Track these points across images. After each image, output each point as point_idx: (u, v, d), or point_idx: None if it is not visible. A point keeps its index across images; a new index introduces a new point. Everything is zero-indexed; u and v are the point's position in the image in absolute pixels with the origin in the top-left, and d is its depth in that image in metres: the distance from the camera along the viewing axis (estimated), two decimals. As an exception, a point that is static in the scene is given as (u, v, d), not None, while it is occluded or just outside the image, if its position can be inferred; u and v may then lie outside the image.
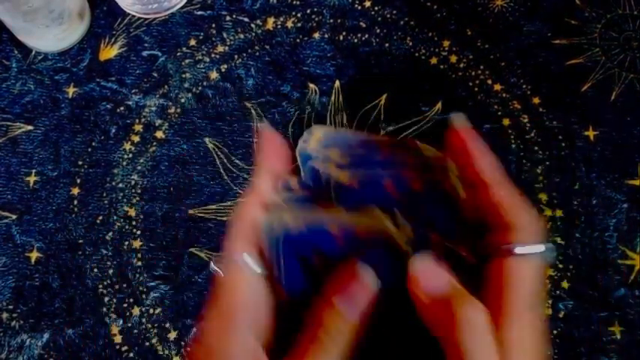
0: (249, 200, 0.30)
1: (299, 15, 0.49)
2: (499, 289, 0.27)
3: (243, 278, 0.29)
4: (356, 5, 0.49)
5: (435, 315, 0.27)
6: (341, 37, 0.48)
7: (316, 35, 0.48)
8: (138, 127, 0.46)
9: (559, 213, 0.42)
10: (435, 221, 0.29)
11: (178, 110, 0.46)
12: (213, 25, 0.49)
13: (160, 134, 0.46)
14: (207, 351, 0.28)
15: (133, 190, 0.45)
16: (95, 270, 0.43)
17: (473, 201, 0.30)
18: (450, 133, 0.31)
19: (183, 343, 0.41)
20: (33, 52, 0.49)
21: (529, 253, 0.27)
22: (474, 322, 0.26)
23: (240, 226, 0.29)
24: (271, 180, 0.31)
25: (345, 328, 0.28)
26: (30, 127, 0.47)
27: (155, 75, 0.48)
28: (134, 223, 0.44)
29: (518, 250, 0.27)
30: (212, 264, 0.31)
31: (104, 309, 0.42)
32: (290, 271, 0.29)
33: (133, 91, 0.47)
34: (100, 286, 0.43)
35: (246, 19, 0.49)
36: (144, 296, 0.42)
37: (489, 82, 0.46)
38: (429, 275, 0.28)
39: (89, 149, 0.46)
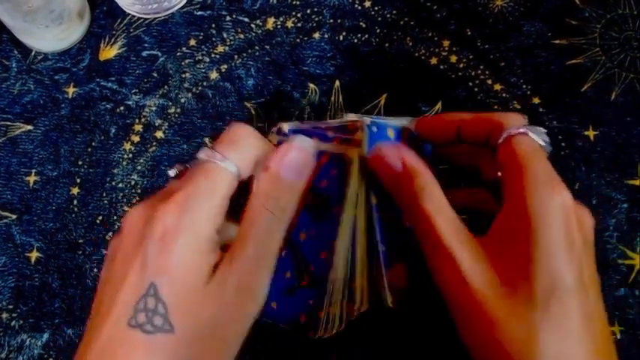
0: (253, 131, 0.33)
1: (299, 15, 0.49)
2: (517, 162, 0.29)
3: (223, 176, 0.30)
4: (356, 5, 0.49)
5: (397, 190, 0.31)
6: (341, 37, 0.48)
7: (316, 35, 0.48)
8: (138, 127, 0.46)
9: (559, 213, 0.42)
10: None
11: (178, 110, 0.46)
12: (213, 25, 0.49)
13: (159, 134, 0.46)
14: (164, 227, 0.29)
15: (133, 190, 0.45)
16: (95, 270, 0.43)
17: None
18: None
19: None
20: (33, 52, 0.49)
21: (521, 131, 0.30)
22: (428, 189, 0.30)
23: (241, 136, 0.32)
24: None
25: (283, 188, 0.31)
26: (30, 127, 0.47)
27: (155, 75, 0.48)
28: (134, 223, 0.44)
29: (514, 131, 0.30)
30: (170, 170, 0.33)
31: (104, 309, 0.42)
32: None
33: (133, 91, 0.47)
34: (100, 286, 0.43)
35: (246, 19, 0.49)
36: (144, 296, 0.42)
37: (489, 82, 0.46)
38: (387, 152, 0.31)
39: (89, 149, 0.46)
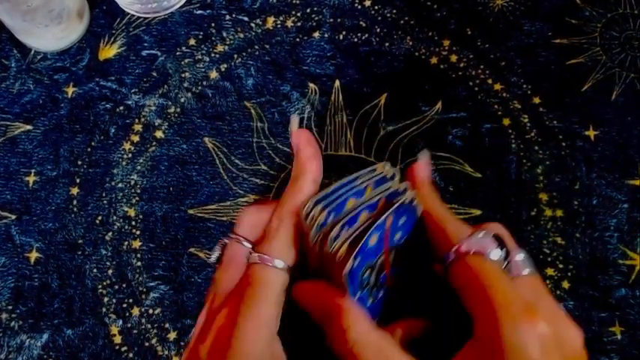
0: (291, 205, 0.32)
1: (299, 14, 0.48)
2: (480, 292, 0.28)
3: (275, 276, 0.31)
4: (356, 5, 0.48)
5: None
6: (341, 37, 0.47)
7: (316, 35, 0.48)
8: (137, 127, 0.46)
9: (559, 213, 0.42)
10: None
11: (178, 110, 0.46)
12: (213, 25, 0.49)
13: (159, 134, 0.46)
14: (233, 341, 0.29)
15: (133, 190, 0.45)
16: (95, 270, 0.43)
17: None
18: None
19: (182, 343, 0.41)
20: (32, 52, 0.49)
21: (472, 248, 0.29)
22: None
23: (278, 229, 0.32)
24: (312, 182, 0.33)
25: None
26: (29, 127, 0.47)
27: (155, 74, 0.47)
28: (133, 223, 0.44)
29: (464, 248, 0.29)
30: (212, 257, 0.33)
31: (104, 309, 0.42)
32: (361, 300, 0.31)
33: (133, 90, 0.47)
34: (100, 286, 0.43)
35: (245, 19, 0.49)
36: (143, 296, 0.42)
37: (489, 81, 0.46)
38: None
39: (88, 149, 0.46)
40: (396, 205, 0.30)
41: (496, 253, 0.29)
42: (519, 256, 0.31)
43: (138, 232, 0.44)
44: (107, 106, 0.47)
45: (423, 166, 0.36)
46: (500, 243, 0.30)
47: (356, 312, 0.29)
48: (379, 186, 0.32)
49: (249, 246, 0.33)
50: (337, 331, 0.29)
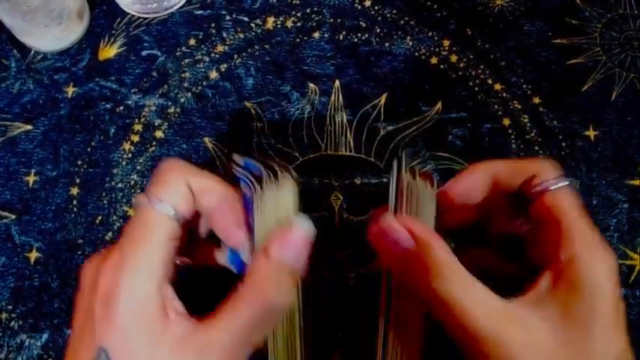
0: (185, 164, 0.31)
1: (299, 14, 0.48)
2: (563, 221, 0.28)
3: (159, 221, 0.29)
4: (356, 5, 0.48)
5: (408, 272, 0.28)
6: (341, 37, 0.48)
7: (316, 35, 0.48)
8: (137, 127, 0.46)
9: (559, 213, 0.42)
10: None
11: (178, 110, 0.46)
12: (213, 25, 0.49)
13: (159, 134, 0.46)
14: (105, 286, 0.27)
15: (133, 190, 0.45)
16: (94, 270, 0.43)
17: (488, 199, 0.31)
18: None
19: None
20: (32, 52, 0.49)
21: (561, 185, 0.29)
22: (447, 267, 0.26)
23: (172, 174, 0.30)
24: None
25: (280, 272, 0.29)
26: (29, 127, 0.47)
27: (155, 74, 0.47)
28: (134, 223, 0.44)
29: (550, 184, 0.29)
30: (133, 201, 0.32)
31: (104, 309, 0.42)
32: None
33: (133, 90, 0.47)
34: (100, 286, 0.42)
35: (245, 19, 0.49)
36: (143, 296, 0.42)
37: (489, 81, 0.46)
38: (394, 229, 0.28)
39: (88, 149, 0.46)
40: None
41: (572, 185, 0.29)
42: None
43: (138, 232, 0.43)
44: (107, 106, 0.47)
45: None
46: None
47: (443, 247, 0.27)
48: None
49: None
50: (422, 270, 0.27)
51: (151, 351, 0.27)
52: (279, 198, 0.31)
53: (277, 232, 0.30)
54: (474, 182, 0.31)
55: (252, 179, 0.30)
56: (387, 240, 0.28)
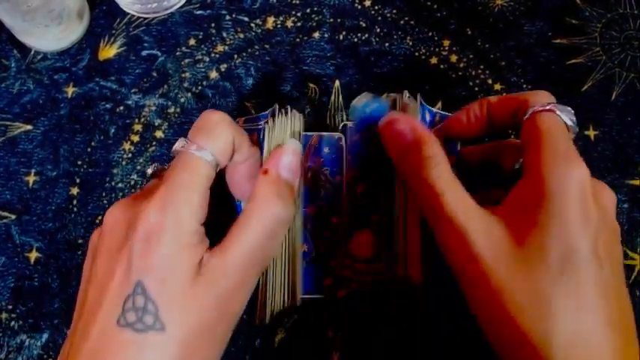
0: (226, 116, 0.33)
1: (299, 14, 0.48)
2: (538, 136, 0.29)
3: (202, 166, 0.30)
4: (356, 5, 0.48)
5: (405, 160, 0.31)
6: (341, 37, 0.47)
7: (316, 35, 0.48)
8: (137, 127, 0.46)
9: (559, 213, 0.42)
10: None
11: (178, 110, 0.46)
12: (213, 25, 0.49)
13: (159, 134, 0.46)
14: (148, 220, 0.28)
15: (133, 190, 0.45)
16: (95, 270, 0.43)
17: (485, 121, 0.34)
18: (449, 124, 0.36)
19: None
20: (32, 52, 0.49)
21: (547, 109, 0.30)
22: (437, 158, 0.30)
23: (216, 124, 0.32)
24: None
25: (279, 186, 0.32)
26: (29, 127, 0.47)
27: (154, 74, 0.47)
28: (134, 223, 0.44)
29: (539, 107, 0.30)
30: (149, 168, 0.33)
31: (104, 309, 0.42)
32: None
33: (133, 90, 0.47)
34: (100, 286, 0.42)
35: (245, 19, 0.49)
36: (143, 296, 0.42)
37: (489, 81, 0.46)
38: (399, 122, 0.32)
39: (88, 149, 0.46)
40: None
41: (568, 116, 0.30)
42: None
43: (138, 232, 0.43)
44: (107, 106, 0.47)
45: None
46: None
47: (435, 142, 0.31)
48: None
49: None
50: (416, 161, 0.30)
51: (190, 286, 0.28)
52: (287, 127, 0.35)
53: (272, 152, 0.34)
54: (467, 116, 0.35)
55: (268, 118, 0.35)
56: (393, 131, 0.32)
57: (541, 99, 0.31)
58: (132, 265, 0.28)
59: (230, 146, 0.32)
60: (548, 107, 0.30)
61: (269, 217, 0.30)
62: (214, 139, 0.31)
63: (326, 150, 0.37)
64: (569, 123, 0.30)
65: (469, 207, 0.29)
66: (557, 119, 0.30)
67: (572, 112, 0.31)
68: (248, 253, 0.30)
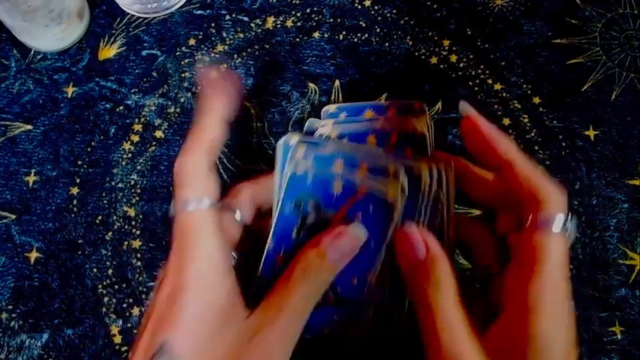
0: (196, 145, 0.31)
1: (299, 14, 0.48)
2: (532, 259, 0.28)
3: (199, 217, 0.30)
4: (356, 4, 0.48)
5: (413, 276, 0.30)
6: (341, 37, 0.47)
7: (316, 34, 0.48)
8: (137, 127, 0.46)
9: (559, 213, 0.42)
10: None
11: (178, 110, 0.46)
12: (213, 25, 0.49)
13: (159, 134, 0.46)
14: (173, 284, 0.28)
15: (133, 190, 0.45)
16: (95, 270, 0.43)
17: (499, 183, 0.32)
18: (463, 122, 0.33)
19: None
20: (32, 52, 0.49)
21: (559, 228, 0.29)
22: (444, 283, 0.29)
23: (188, 172, 0.31)
24: (218, 120, 0.33)
25: (324, 268, 0.30)
26: (29, 127, 0.47)
27: (154, 74, 0.47)
28: (133, 223, 0.44)
29: (551, 223, 0.29)
30: (170, 210, 0.33)
31: (104, 309, 0.42)
32: (283, 211, 0.32)
33: (133, 90, 0.47)
34: (100, 286, 0.43)
35: (245, 19, 0.49)
36: (143, 296, 0.42)
37: (489, 81, 0.46)
38: (413, 239, 0.30)
39: (88, 149, 0.46)
40: (370, 190, 0.31)
41: (558, 225, 0.29)
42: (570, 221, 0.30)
43: (138, 232, 0.43)
44: (107, 106, 0.47)
45: (476, 119, 0.33)
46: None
47: (446, 264, 0.30)
48: (373, 176, 0.32)
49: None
50: (423, 280, 0.29)
51: (212, 341, 0.28)
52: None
53: (332, 230, 0.31)
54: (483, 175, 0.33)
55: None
56: (405, 244, 0.31)
57: (553, 205, 0.29)
58: (158, 323, 0.28)
59: (253, 209, 0.32)
60: (554, 228, 0.29)
61: (311, 294, 0.30)
62: (197, 183, 0.31)
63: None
64: (571, 238, 0.29)
65: (461, 339, 0.28)
66: (560, 246, 0.29)
67: (575, 221, 0.30)
68: (280, 328, 0.29)
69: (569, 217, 0.29)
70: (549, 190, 0.30)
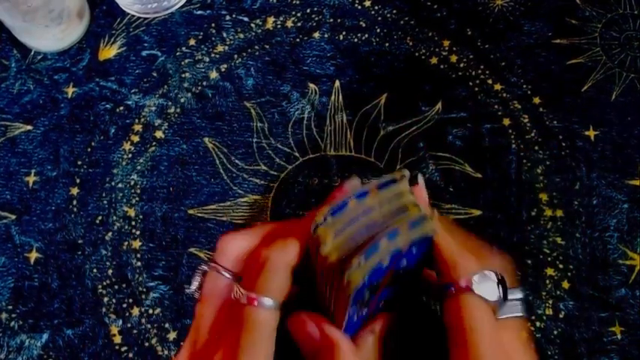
0: (293, 244, 0.31)
1: (299, 14, 0.48)
2: (460, 327, 0.29)
3: (268, 316, 0.30)
4: (356, 5, 0.48)
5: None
6: (341, 37, 0.47)
7: (316, 35, 0.48)
8: (137, 127, 0.46)
9: (559, 213, 0.42)
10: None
11: (178, 110, 0.46)
12: (213, 25, 0.49)
13: (159, 134, 0.46)
14: None
15: (133, 191, 0.45)
16: (94, 270, 0.43)
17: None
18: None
19: (182, 343, 0.41)
20: (32, 52, 0.49)
21: (478, 294, 0.29)
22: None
23: (277, 267, 0.31)
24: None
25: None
26: (29, 127, 0.47)
27: (154, 75, 0.47)
28: (133, 223, 0.44)
29: (464, 284, 0.29)
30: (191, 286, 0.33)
31: (103, 309, 0.42)
32: (351, 318, 0.32)
33: (133, 90, 0.47)
34: (100, 286, 0.43)
35: (245, 19, 0.49)
36: (143, 296, 0.42)
37: (489, 81, 0.46)
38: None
39: (88, 149, 0.46)
40: (417, 236, 0.29)
41: (493, 294, 0.30)
42: (516, 296, 0.31)
43: (138, 232, 0.43)
44: (107, 106, 0.47)
45: (421, 189, 0.35)
46: (502, 282, 0.30)
47: (348, 348, 0.30)
48: (384, 188, 0.31)
49: (230, 277, 0.32)
50: None
51: None
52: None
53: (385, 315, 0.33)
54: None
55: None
56: (301, 332, 0.32)
57: (464, 268, 0.30)
58: None
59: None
60: (474, 288, 0.29)
61: None
62: (274, 284, 0.31)
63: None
64: (493, 299, 0.29)
65: None
66: (481, 308, 0.29)
67: (496, 281, 0.30)
68: None
69: (501, 283, 0.29)
70: (455, 257, 0.30)
